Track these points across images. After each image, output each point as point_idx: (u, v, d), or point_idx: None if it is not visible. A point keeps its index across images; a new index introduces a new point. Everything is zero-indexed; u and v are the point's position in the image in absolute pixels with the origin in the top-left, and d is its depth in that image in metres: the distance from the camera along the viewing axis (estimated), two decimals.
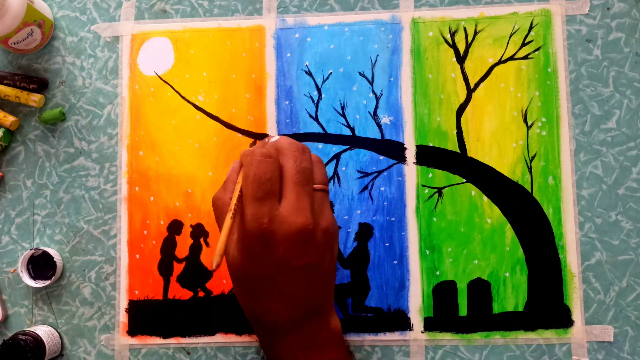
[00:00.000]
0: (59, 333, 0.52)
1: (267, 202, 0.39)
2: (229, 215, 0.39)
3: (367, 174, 0.52)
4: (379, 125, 0.53)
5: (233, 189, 0.42)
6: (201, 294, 0.52)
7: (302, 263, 0.40)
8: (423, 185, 0.52)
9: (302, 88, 0.54)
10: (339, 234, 0.45)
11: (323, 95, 0.53)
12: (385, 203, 0.52)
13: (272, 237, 0.39)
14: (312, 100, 0.53)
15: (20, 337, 0.48)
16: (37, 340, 0.49)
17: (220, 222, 0.43)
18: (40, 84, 0.54)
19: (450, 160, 0.52)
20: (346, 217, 0.52)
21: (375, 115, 0.53)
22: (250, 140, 0.53)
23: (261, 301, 0.42)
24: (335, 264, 0.44)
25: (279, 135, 0.52)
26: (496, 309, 0.50)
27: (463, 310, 0.51)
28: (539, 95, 0.52)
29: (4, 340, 0.49)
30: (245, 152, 0.41)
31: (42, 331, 0.50)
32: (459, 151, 0.52)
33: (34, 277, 0.53)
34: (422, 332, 0.51)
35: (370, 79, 0.53)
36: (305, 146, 0.42)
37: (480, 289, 0.51)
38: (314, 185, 0.42)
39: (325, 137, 0.53)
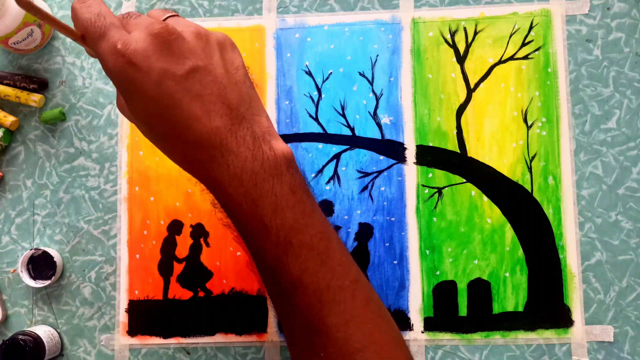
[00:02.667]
0: (58, 333, 0.52)
1: (112, 31, 0.36)
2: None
3: (367, 174, 0.52)
4: (379, 125, 0.53)
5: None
6: (201, 294, 0.52)
7: (185, 68, 0.37)
8: (423, 185, 0.52)
9: (302, 88, 0.54)
10: (232, 45, 0.41)
11: (323, 95, 0.53)
12: (385, 203, 0.52)
13: (136, 56, 0.35)
14: (312, 100, 0.53)
15: (20, 337, 0.48)
16: (37, 341, 0.49)
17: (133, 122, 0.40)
18: (40, 84, 0.54)
19: (450, 160, 0.52)
20: (346, 217, 0.52)
21: (375, 115, 0.53)
22: None
23: (177, 126, 0.37)
24: (242, 72, 0.40)
25: None
26: (496, 309, 0.50)
27: (463, 310, 0.51)
28: (539, 95, 0.52)
29: (3, 341, 0.49)
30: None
31: (42, 331, 0.50)
32: (459, 151, 0.52)
33: (34, 277, 0.53)
34: (422, 332, 0.51)
35: (370, 79, 0.53)
36: None
37: (480, 289, 0.51)
38: (161, 20, 0.39)
39: (325, 137, 0.53)
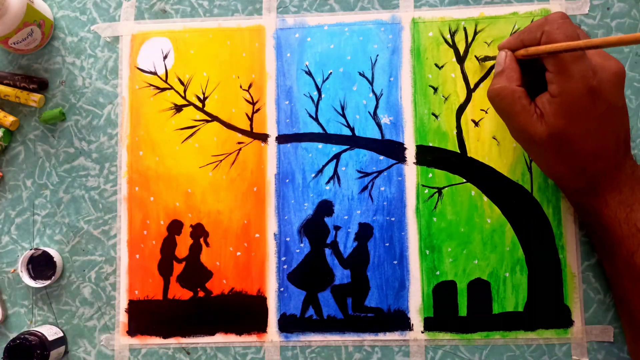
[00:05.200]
0: (63, 332, 0.52)
1: (586, 57, 0.41)
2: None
3: (367, 174, 0.52)
4: (379, 125, 0.53)
5: (516, 77, 0.44)
6: (201, 294, 0.52)
7: (622, 103, 0.43)
8: (423, 185, 0.52)
9: (302, 88, 0.54)
10: None
11: (323, 95, 0.53)
12: (385, 203, 0.52)
13: (599, 87, 0.41)
14: (312, 100, 0.53)
15: (26, 337, 0.48)
16: (42, 340, 0.49)
17: (510, 110, 0.44)
18: (40, 84, 0.54)
19: (450, 160, 0.52)
20: (346, 217, 0.52)
21: (375, 115, 0.53)
22: (250, 139, 0.53)
23: (582, 154, 0.43)
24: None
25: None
26: (496, 309, 0.50)
27: (463, 310, 0.51)
28: None
29: (9, 341, 0.49)
30: (537, 23, 0.43)
31: (47, 330, 0.50)
32: (459, 151, 0.52)
33: (34, 277, 0.53)
34: (422, 332, 0.51)
35: (370, 79, 0.53)
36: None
37: (480, 289, 0.51)
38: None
39: (325, 137, 0.53)
